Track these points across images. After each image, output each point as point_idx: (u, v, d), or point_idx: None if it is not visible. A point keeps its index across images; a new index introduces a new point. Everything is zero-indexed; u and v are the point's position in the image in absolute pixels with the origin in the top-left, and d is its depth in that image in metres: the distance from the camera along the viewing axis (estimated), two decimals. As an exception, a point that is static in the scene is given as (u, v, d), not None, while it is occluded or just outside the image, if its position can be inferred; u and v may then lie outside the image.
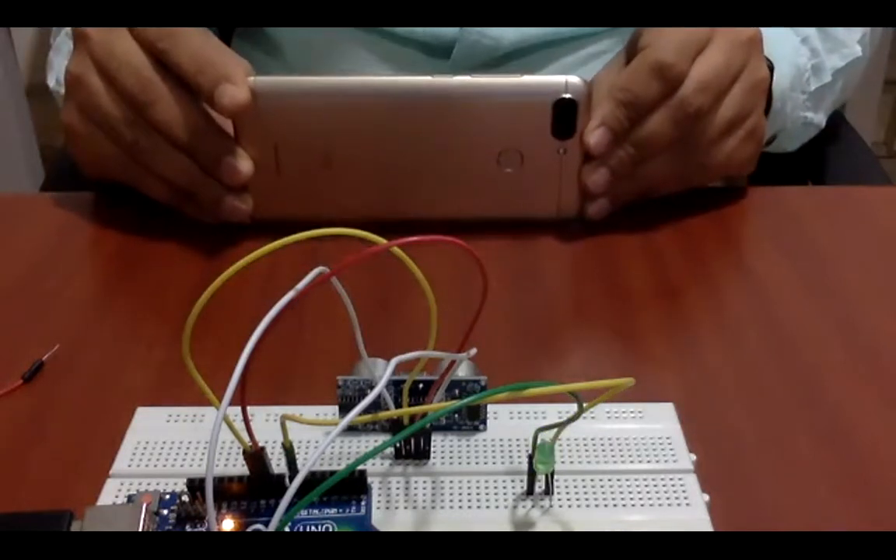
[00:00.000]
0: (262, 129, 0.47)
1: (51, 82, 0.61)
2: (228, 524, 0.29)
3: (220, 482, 0.30)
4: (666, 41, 0.45)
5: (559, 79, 0.46)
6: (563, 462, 0.33)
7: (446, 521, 0.31)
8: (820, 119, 0.60)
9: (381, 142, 0.47)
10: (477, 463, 0.33)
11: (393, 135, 0.47)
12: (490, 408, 0.35)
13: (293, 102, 0.47)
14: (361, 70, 0.62)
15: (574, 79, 0.46)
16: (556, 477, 0.31)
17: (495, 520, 0.31)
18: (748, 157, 0.50)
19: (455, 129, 0.47)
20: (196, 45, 0.45)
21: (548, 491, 0.32)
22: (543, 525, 0.31)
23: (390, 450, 0.33)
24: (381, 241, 0.27)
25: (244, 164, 0.46)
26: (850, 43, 0.60)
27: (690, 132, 0.47)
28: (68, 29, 0.49)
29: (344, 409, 0.34)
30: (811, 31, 0.58)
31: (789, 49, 0.56)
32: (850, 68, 0.60)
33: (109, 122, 0.46)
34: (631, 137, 0.46)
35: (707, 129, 0.47)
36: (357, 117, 0.47)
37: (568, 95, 0.46)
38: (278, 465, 0.31)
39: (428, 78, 0.46)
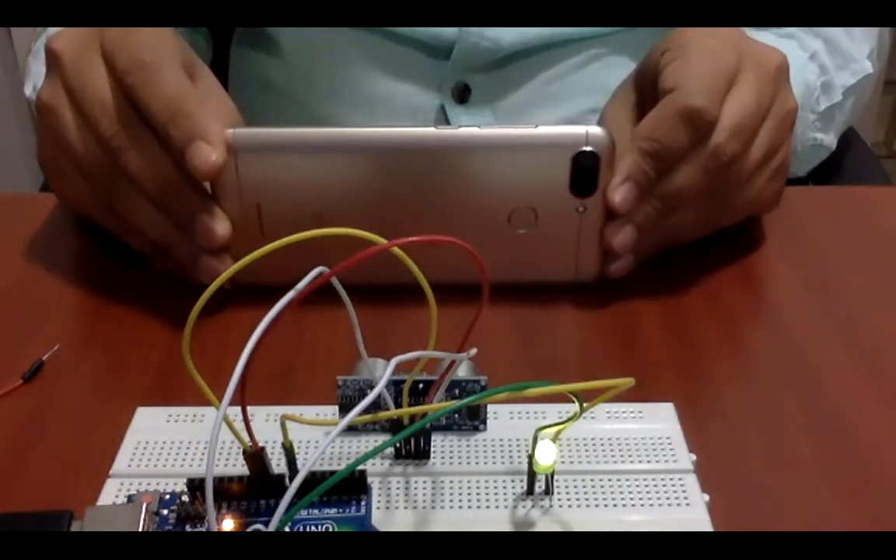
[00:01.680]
0: (243, 187, 0.42)
1: (27, 90, 0.58)
2: (228, 524, 0.29)
3: (220, 482, 0.30)
4: (693, 82, 0.41)
5: (579, 130, 0.41)
6: (563, 462, 0.33)
7: (446, 521, 0.31)
8: (830, 140, 0.58)
9: (377, 201, 0.42)
10: (477, 463, 0.33)
11: (391, 192, 0.42)
12: (490, 408, 0.35)
13: (277, 158, 0.42)
14: (360, 70, 0.62)
15: (595, 130, 0.41)
16: (556, 477, 0.32)
17: (495, 520, 0.31)
18: (774, 194, 0.47)
19: (461, 187, 0.42)
20: (171, 88, 0.40)
21: (548, 491, 0.32)
22: (543, 525, 0.31)
23: (390, 450, 0.33)
24: (381, 240, 0.27)
25: (221, 225, 0.42)
26: (859, 58, 0.59)
27: (721, 177, 0.43)
28: (49, 32, 0.46)
29: (344, 409, 0.34)
30: (819, 47, 0.57)
31: (798, 66, 0.54)
32: (860, 85, 0.59)
33: (82, 162, 0.43)
34: (658, 190, 0.42)
35: (738, 171, 0.44)
36: (350, 174, 0.42)
37: (589, 148, 0.41)
38: (278, 465, 0.31)
39: (431, 129, 0.42)
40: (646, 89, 0.45)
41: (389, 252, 0.43)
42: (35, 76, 0.57)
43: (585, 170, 0.41)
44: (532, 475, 0.31)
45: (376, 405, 0.28)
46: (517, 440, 0.34)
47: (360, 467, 0.29)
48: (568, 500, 0.31)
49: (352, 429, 0.34)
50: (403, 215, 0.43)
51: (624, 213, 0.42)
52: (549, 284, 0.45)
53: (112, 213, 0.44)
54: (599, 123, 0.42)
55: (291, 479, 0.28)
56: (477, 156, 0.42)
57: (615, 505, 0.31)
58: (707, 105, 0.41)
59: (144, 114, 0.41)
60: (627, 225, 0.43)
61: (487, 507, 0.31)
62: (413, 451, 0.33)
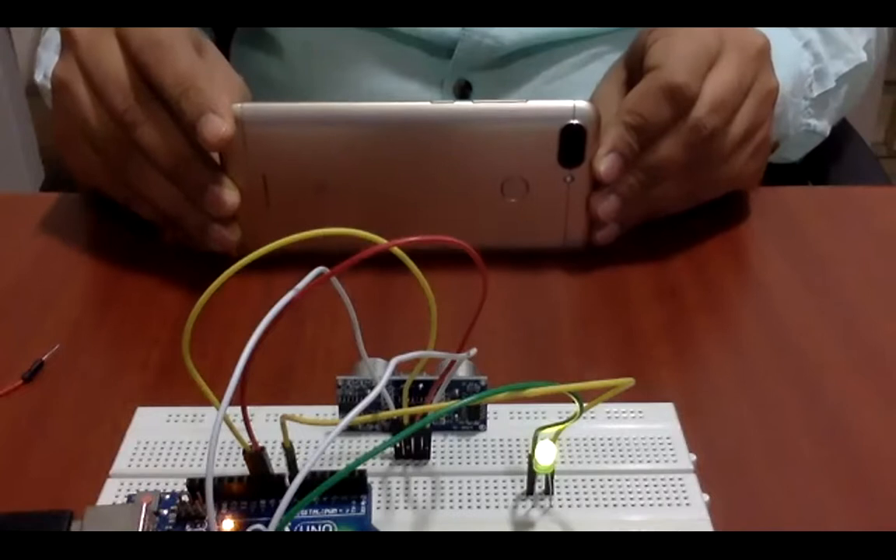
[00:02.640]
0: (250, 158, 0.44)
1: (38, 77, 0.59)
2: (228, 524, 0.29)
3: (220, 482, 0.30)
4: (676, 60, 0.43)
5: (566, 104, 0.43)
6: (563, 462, 0.33)
7: (446, 521, 0.31)
8: (824, 127, 0.59)
9: (377, 172, 0.45)
10: (477, 463, 0.33)
11: (390, 164, 0.45)
12: (490, 408, 0.35)
13: (282, 130, 0.44)
14: (361, 69, 0.62)
15: (582, 103, 0.43)
16: (556, 477, 0.32)
17: (495, 520, 0.31)
18: (756, 171, 0.49)
19: (456, 158, 0.44)
20: (183, 65, 0.42)
21: (548, 491, 0.32)
22: (543, 525, 0.31)
23: (390, 450, 0.33)
24: (381, 241, 0.27)
25: (230, 195, 0.44)
26: (854, 48, 0.59)
27: (702, 152, 0.45)
28: None
29: (344, 409, 0.34)
30: (813, 36, 0.57)
31: (791, 53, 0.55)
32: (854, 74, 0.59)
33: (95, 136, 0.45)
34: (641, 162, 0.44)
35: (719, 147, 0.46)
36: (352, 146, 0.44)
37: (576, 121, 0.43)
38: (278, 465, 0.31)
39: (428, 104, 0.44)
40: (634, 68, 0.47)
41: (393, 211, 0.46)
42: (45, 64, 0.59)
43: (573, 141, 0.44)
44: (532, 475, 0.31)
45: (376, 405, 0.28)
46: (517, 440, 0.34)
47: (360, 467, 0.29)
48: (568, 500, 0.31)
49: (352, 429, 0.34)
50: (402, 186, 0.45)
51: (609, 182, 0.44)
52: (539, 250, 0.47)
53: (124, 185, 0.46)
54: (591, 100, 0.44)
55: (291, 479, 0.28)
56: (471, 128, 0.44)
57: (615, 505, 0.31)
58: (688, 81, 0.43)
59: (157, 90, 0.43)
60: (612, 194, 0.45)
61: (487, 507, 0.31)
62: (413, 451, 0.33)
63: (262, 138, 0.44)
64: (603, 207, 0.45)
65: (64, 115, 0.46)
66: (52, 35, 0.60)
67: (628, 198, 0.45)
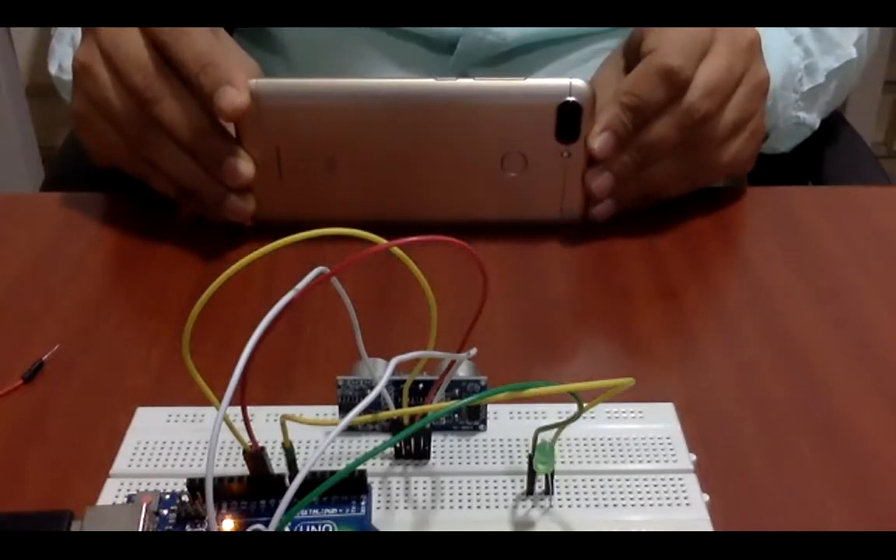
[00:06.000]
0: (264, 131, 0.46)
1: (52, 69, 0.61)
2: (228, 524, 0.29)
3: (220, 482, 0.30)
4: (671, 45, 0.45)
5: (563, 82, 0.46)
6: (563, 462, 0.33)
7: (446, 521, 0.31)
8: (813, 120, 0.60)
9: (383, 144, 0.47)
10: (477, 463, 0.33)
11: (396, 137, 0.47)
12: (490, 408, 0.35)
13: (295, 105, 0.46)
14: (364, 66, 0.62)
15: (578, 82, 0.46)
16: (556, 477, 0.32)
17: (495, 520, 0.31)
18: (750, 157, 0.51)
19: (458, 132, 0.47)
20: (201, 43, 0.44)
21: (548, 491, 0.32)
22: (543, 525, 0.31)
23: (390, 450, 0.33)
24: (381, 241, 0.27)
25: (245, 166, 0.46)
26: (845, 44, 0.60)
27: (695, 136, 0.47)
28: None
29: (344, 409, 0.34)
30: (805, 31, 0.58)
31: (782, 47, 0.56)
32: (844, 70, 0.60)
33: (116, 115, 0.46)
34: (635, 142, 0.46)
35: (712, 132, 0.47)
36: (360, 120, 0.47)
37: (572, 99, 0.45)
38: (278, 465, 0.31)
39: (432, 81, 0.46)
40: (631, 56, 0.49)
41: (398, 183, 0.48)
42: (59, 55, 0.60)
43: (569, 118, 0.46)
44: (532, 475, 0.31)
45: (376, 405, 0.28)
46: (517, 440, 0.34)
47: (360, 467, 0.29)
48: (568, 500, 0.31)
49: (352, 429, 0.34)
50: (408, 159, 0.48)
51: (602, 159, 0.46)
52: (537, 223, 0.49)
53: (143, 161, 0.48)
54: (590, 83, 0.46)
55: (291, 479, 0.28)
56: (473, 105, 0.46)
57: (615, 505, 0.31)
58: (682, 65, 0.45)
59: (176, 67, 0.45)
60: (606, 171, 0.47)
61: (487, 507, 0.31)
62: (413, 451, 0.33)
63: (276, 112, 0.46)
64: (597, 183, 0.47)
65: (84, 97, 0.48)
66: (64, 28, 0.60)
67: (622, 175, 0.47)
